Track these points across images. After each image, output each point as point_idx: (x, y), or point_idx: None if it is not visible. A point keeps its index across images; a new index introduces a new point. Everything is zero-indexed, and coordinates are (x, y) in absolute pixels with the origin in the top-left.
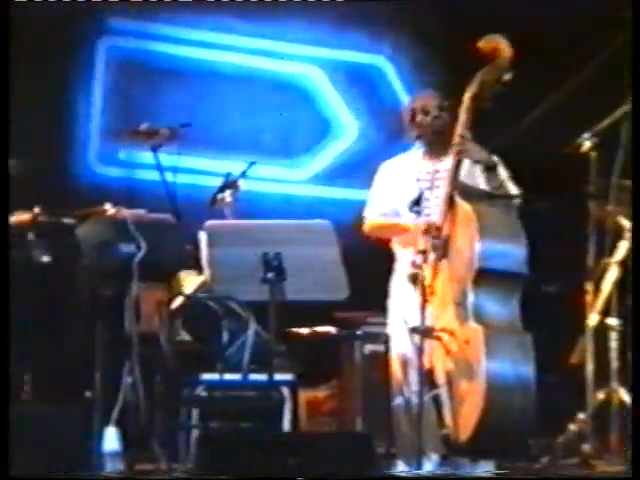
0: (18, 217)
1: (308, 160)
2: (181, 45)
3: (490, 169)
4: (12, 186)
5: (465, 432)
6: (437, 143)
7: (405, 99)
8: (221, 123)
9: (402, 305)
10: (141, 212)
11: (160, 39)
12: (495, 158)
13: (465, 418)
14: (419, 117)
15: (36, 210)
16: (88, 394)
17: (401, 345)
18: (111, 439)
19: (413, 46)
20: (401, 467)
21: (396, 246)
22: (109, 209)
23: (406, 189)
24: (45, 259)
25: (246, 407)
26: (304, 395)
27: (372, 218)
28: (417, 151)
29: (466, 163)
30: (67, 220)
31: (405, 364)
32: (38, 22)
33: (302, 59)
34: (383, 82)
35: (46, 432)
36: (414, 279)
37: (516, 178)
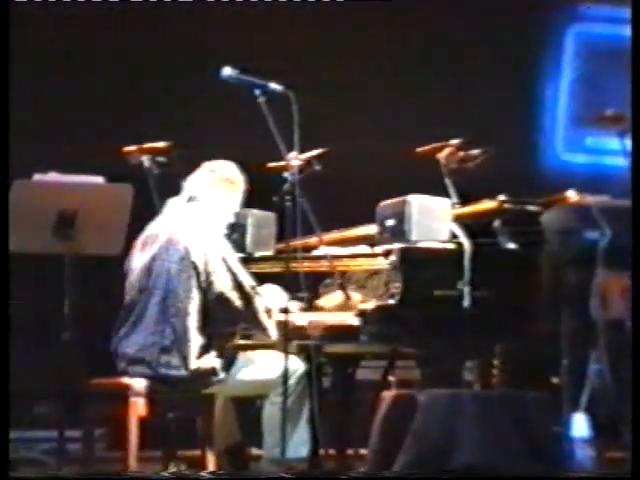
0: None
1: None
2: None
3: None
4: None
5: None
6: None
7: None
8: None
9: None
10: (605, 198)
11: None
12: None
13: None
14: None
15: (501, 197)
16: (555, 380)
17: None
18: (580, 425)
19: None
20: None
21: None
22: (572, 196)
23: None
24: (511, 246)
25: None
26: None
27: None
28: None
29: None
30: (532, 207)
31: None
32: None
33: None
34: None
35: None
36: None
37: None
